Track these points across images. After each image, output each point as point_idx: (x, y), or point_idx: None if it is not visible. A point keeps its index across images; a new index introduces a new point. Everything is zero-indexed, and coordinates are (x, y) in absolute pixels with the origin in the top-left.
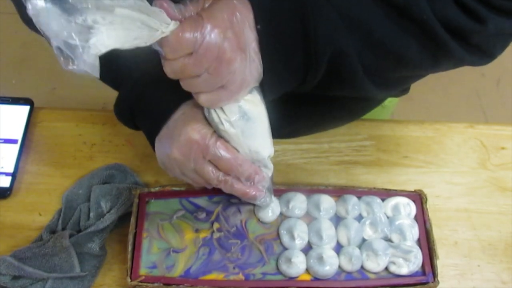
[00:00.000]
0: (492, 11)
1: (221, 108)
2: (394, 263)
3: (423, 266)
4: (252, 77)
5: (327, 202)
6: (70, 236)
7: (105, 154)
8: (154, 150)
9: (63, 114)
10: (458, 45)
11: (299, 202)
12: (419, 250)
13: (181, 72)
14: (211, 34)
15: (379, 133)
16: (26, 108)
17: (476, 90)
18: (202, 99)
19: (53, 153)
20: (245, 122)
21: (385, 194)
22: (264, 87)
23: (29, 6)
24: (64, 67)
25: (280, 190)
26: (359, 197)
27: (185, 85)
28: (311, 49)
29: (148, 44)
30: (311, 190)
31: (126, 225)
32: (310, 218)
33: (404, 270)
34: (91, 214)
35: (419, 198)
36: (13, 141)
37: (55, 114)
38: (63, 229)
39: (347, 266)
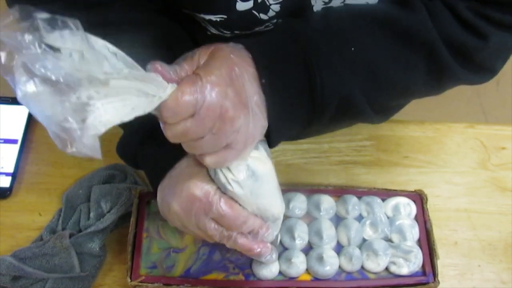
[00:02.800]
0: (493, 26)
1: (228, 168)
2: (394, 263)
3: (423, 266)
4: (256, 132)
5: (327, 202)
6: (70, 236)
7: (105, 154)
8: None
9: None
10: (461, 66)
11: (299, 202)
12: (419, 250)
13: (183, 136)
14: (212, 94)
15: (379, 133)
16: (26, 108)
17: (476, 90)
18: (207, 161)
19: (53, 153)
20: (254, 182)
21: (385, 194)
22: (271, 138)
23: (18, 93)
24: (62, 150)
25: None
26: (359, 197)
27: (188, 148)
28: (317, 99)
29: (147, 112)
30: (311, 190)
31: (126, 225)
32: (310, 218)
33: (404, 270)
34: (91, 214)
35: (419, 198)
36: (13, 141)
37: None
38: (63, 229)
39: (347, 266)
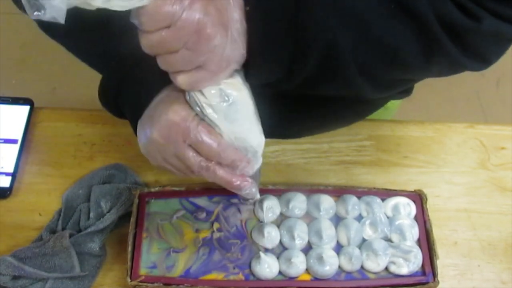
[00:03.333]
0: (486, 12)
1: (201, 92)
2: (394, 263)
3: (423, 266)
4: (233, 57)
5: (327, 202)
6: (70, 236)
7: (105, 154)
8: (136, 135)
9: (63, 114)
10: (453, 44)
11: (299, 202)
12: (419, 250)
13: (158, 46)
14: (192, 7)
15: (379, 133)
16: (26, 108)
17: (476, 90)
18: (180, 80)
19: (53, 153)
20: (228, 107)
21: (385, 194)
22: (249, 70)
23: None
24: (30, 15)
25: (280, 190)
26: (359, 197)
27: (162, 63)
28: (301, 36)
29: (124, 9)
30: (311, 190)
31: (126, 225)
32: (310, 218)
33: (404, 270)
34: (91, 214)
35: (419, 198)
36: (13, 141)
37: (55, 114)
38: (63, 229)
39: (347, 266)
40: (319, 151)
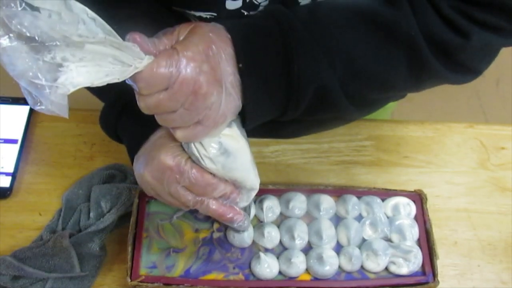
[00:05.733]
0: (476, 25)
1: (200, 143)
2: (394, 263)
3: (423, 266)
4: (229, 111)
5: (327, 202)
6: (70, 236)
7: (105, 154)
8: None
9: None
10: (442, 64)
11: (299, 202)
12: (419, 250)
13: (156, 108)
14: (187, 68)
15: (379, 133)
16: (26, 108)
17: (476, 90)
18: (179, 135)
19: (53, 153)
20: (226, 158)
21: (385, 194)
22: (245, 118)
23: None
24: (32, 107)
25: (280, 190)
26: (359, 197)
27: (161, 121)
28: (293, 85)
29: (121, 80)
30: (311, 190)
31: (126, 225)
32: (310, 218)
33: (404, 270)
34: (91, 214)
35: (419, 198)
36: (13, 141)
37: None
38: (63, 229)
39: (347, 266)
40: (319, 151)
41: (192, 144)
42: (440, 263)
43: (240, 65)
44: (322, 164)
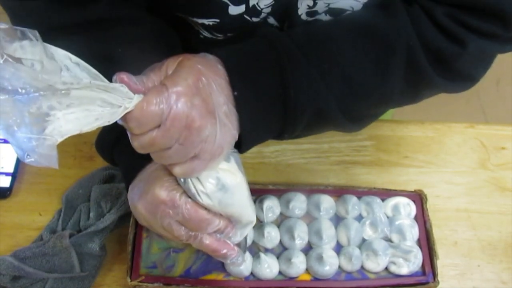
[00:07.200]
0: (471, 33)
1: (197, 178)
2: (394, 263)
3: (423, 266)
4: (225, 142)
5: (327, 202)
6: (70, 236)
7: None
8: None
9: None
10: (439, 74)
11: (299, 202)
12: (419, 250)
13: (150, 147)
14: (178, 104)
15: (379, 133)
16: None
17: (476, 90)
18: (177, 171)
19: None
20: (223, 194)
21: (385, 194)
22: (242, 146)
23: None
24: (22, 160)
25: (280, 190)
26: (359, 197)
27: (157, 158)
28: (290, 110)
29: (111, 122)
30: (311, 190)
31: (126, 225)
32: (310, 218)
33: (404, 270)
34: (91, 214)
35: (419, 198)
36: None
37: None
38: (63, 229)
39: (347, 266)
40: (319, 151)
41: (189, 180)
42: (440, 263)
43: (236, 93)
44: (322, 164)
